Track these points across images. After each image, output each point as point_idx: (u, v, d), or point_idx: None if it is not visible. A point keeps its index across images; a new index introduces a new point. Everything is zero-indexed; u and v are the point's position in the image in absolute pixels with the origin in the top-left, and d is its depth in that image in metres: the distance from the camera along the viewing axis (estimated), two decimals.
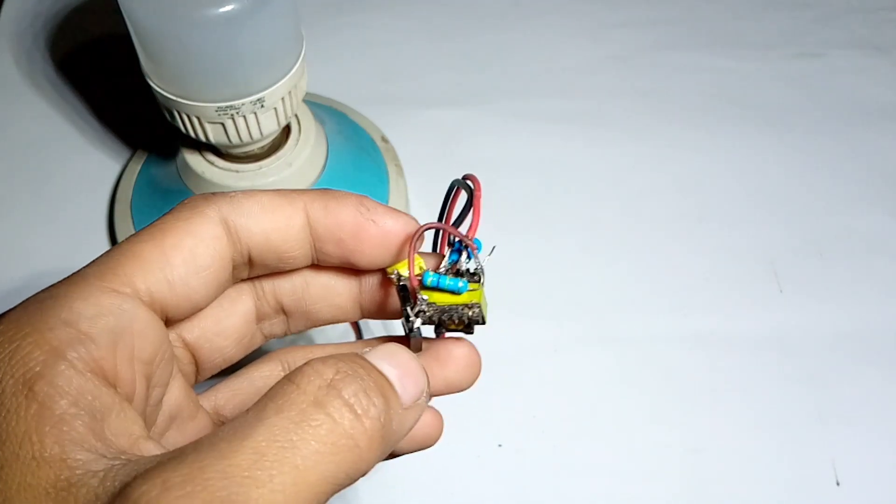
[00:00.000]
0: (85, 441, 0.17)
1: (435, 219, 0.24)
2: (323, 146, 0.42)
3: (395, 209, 0.23)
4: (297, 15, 0.36)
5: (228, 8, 0.32)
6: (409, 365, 0.20)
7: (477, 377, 0.24)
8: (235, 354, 0.25)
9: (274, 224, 0.22)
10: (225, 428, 0.17)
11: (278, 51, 0.35)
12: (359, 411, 0.18)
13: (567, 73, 0.54)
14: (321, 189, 0.23)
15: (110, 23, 0.42)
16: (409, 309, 0.22)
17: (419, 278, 0.22)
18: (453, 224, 0.23)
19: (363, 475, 0.18)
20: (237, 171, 0.40)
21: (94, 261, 0.21)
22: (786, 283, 0.44)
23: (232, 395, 0.25)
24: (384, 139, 0.47)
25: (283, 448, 0.17)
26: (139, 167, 0.46)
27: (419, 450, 0.25)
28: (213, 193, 0.22)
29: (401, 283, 0.23)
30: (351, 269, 0.24)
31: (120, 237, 0.43)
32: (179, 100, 0.35)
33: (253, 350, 0.26)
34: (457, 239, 0.23)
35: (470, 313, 0.22)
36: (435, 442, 0.25)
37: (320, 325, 0.26)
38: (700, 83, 0.54)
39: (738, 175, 0.49)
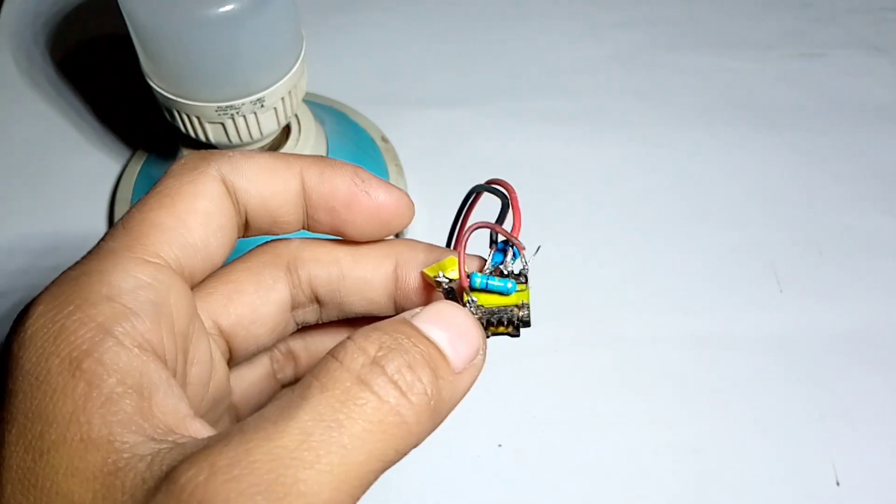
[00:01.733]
0: (132, 422, 0.17)
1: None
2: (323, 146, 0.42)
3: (389, 183, 0.23)
4: (297, 15, 0.36)
5: (228, 8, 0.32)
6: (461, 324, 0.20)
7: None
8: (268, 341, 0.24)
9: (271, 188, 0.22)
10: (270, 408, 0.17)
11: (278, 51, 0.35)
12: (404, 388, 0.18)
13: (567, 74, 0.54)
14: (318, 156, 0.23)
15: (110, 23, 0.42)
16: None
17: (468, 280, 0.22)
18: (490, 232, 0.23)
19: (415, 447, 0.18)
20: None
21: (112, 234, 0.20)
22: (786, 283, 0.44)
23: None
24: (384, 139, 0.47)
25: (330, 428, 0.16)
26: (139, 167, 0.46)
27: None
28: (209, 151, 0.22)
29: (448, 286, 0.22)
30: (388, 266, 0.24)
31: None
32: (179, 100, 0.35)
33: (285, 336, 0.25)
34: (500, 239, 0.22)
35: (520, 314, 0.22)
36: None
37: (353, 316, 0.25)
38: (700, 83, 0.54)
39: (738, 175, 0.49)
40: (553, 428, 0.39)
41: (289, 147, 0.41)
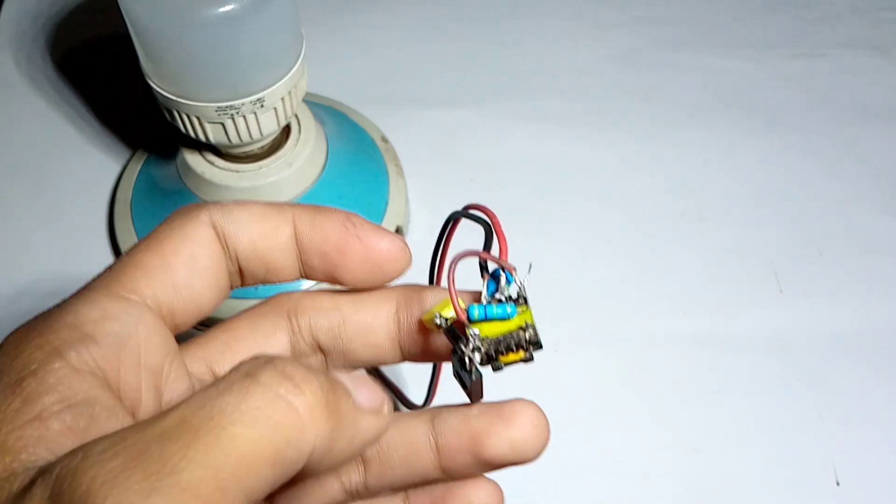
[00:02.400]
0: (52, 440, 0.17)
1: (431, 240, 0.23)
2: (323, 146, 0.42)
3: (382, 228, 0.23)
4: (297, 15, 0.36)
5: (228, 8, 0.32)
6: (362, 378, 0.19)
7: (545, 443, 0.22)
8: None
9: (260, 232, 0.22)
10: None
11: (278, 51, 0.35)
12: (296, 378, 0.16)
13: (567, 73, 0.54)
14: (311, 204, 0.23)
15: (110, 23, 0.42)
16: (463, 348, 0.21)
17: (465, 314, 0.21)
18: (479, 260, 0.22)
19: (318, 460, 0.17)
20: (237, 171, 0.40)
21: (98, 274, 0.21)
22: (786, 283, 0.44)
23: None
24: (384, 139, 0.47)
25: (210, 416, 0.15)
26: (139, 167, 0.46)
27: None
28: (207, 202, 0.23)
29: (447, 326, 0.21)
30: (389, 309, 0.24)
31: (120, 237, 0.43)
32: (179, 100, 0.35)
33: None
34: (491, 268, 0.22)
35: (526, 335, 0.21)
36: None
37: (360, 367, 0.25)
38: (700, 83, 0.54)
39: (738, 175, 0.49)
40: (553, 428, 0.39)
41: (289, 147, 0.41)
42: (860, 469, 0.38)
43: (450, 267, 0.21)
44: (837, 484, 0.37)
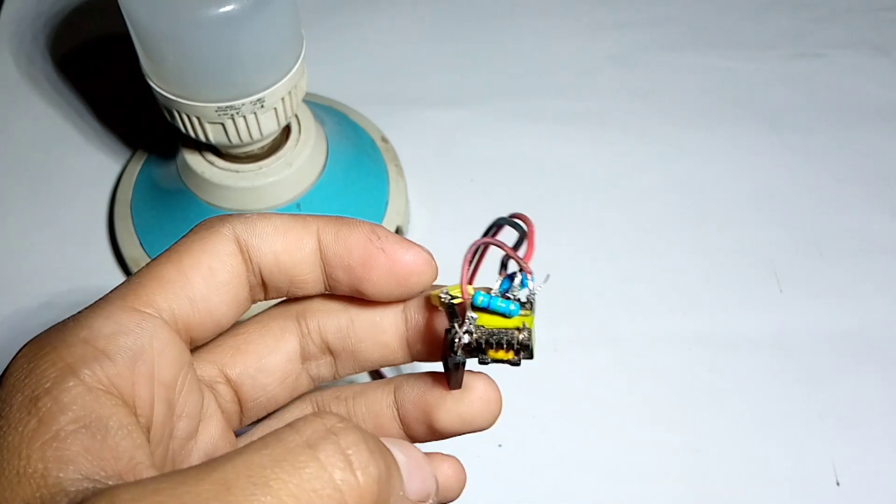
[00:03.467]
0: (73, 461, 0.17)
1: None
2: (323, 146, 0.42)
3: (407, 240, 0.23)
4: (297, 15, 0.36)
5: (228, 8, 0.32)
6: (418, 458, 0.19)
7: (496, 416, 0.23)
8: (280, 394, 0.24)
9: (284, 245, 0.22)
10: (204, 461, 0.16)
11: (278, 51, 0.35)
12: (354, 464, 0.16)
13: (567, 74, 0.54)
14: (337, 216, 0.23)
15: (110, 23, 0.42)
16: (456, 325, 0.21)
17: (470, 298, 0.21)
18: (504, 258, 0.22)
19: None
20: (237, 172, 0.40)
21: (118, 286, 0.21)
22: (786, 283, 0.44)
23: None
24: (384, 139, 0.47)
25: (254, 485, 0.15)
26: (139, 167, 0.46)
27: None
28: (231, 214, 0.22)
29: (449, 304, 0.22)
30: (397, 307, 0.24)
31: (120, 237, 0.43)
32: (179, 100, 0.35)
33: (300, 393, 0.25)
34: (510, 270, 0.22)
35: (520, 337, 0.21)
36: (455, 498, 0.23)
37: (370, 368, 0.25)
38: (700, 83, 0.54)
39: (738, 175, 0.49)
40: (553, 428, 0.39)
41: (289, 147, 0.41)
42: (860, 469, 0.38)
43: (473, 248, 0.21)
44: (837, 484, 0.37)
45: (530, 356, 0.22)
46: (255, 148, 0.39)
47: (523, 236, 0.22)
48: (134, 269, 0.42)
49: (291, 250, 0.22)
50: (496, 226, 0.23)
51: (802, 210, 0.47)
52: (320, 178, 0.42)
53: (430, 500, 0.20)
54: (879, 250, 0.45)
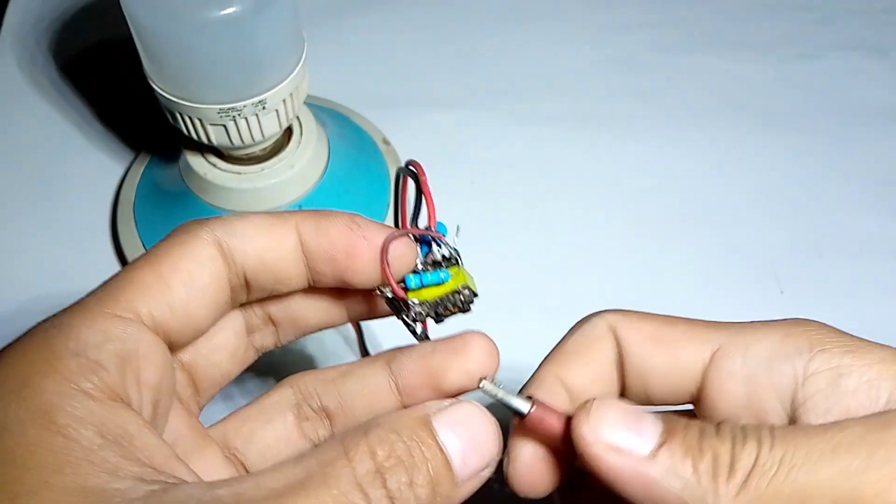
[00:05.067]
0: (119, 469, 0.17)
1: (413, 216, 0.25)
2: (324, 148, 0.43)
3: (386, 226, 0.23)
4: (299, 17, 0.36)
5: (230, 10, 0.32)
6: (479, 436, 0.20)
7: (497, 367, 0.24)
8: (231, 370, 0.25)
9: (267, 243, 0.22)
10: (268, 477, 0.17)
11: (280, 53, 0.35)
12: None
13: (567, 75, 0.54)
14: (314, 210, 0.24)
15: (113, 26, 0.42)
16: (405, 318, 0.23)
17: (402, 285, 0.23)
18: (414, 214, 0.24)
19: None
20: (239, 173, 0.40)
21: (93, 290, 0.21)
22: (786, 283, 0.44)
23: (241, 423, 0.25)
24: (385, 141, 0.48)
25: None
26: (142, 169, 0.46)
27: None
28: (209, 218, 0.23)
29: (389, 298, 0.23)
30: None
31: (123, 239, 0.44)
32: (181, 102, 0.35)
33: (248, 365, 0.25)
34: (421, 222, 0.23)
35: (461, 297, 0.23)
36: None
37: (310, 333, 0.25)
38: (700, 85, 0.54)
39: (738, 176, 0.49)
40: None
41: (290, 149, 0.41)
42: None
43: (383, 248, 0.23)
44: None
45: (474, 296, 0.23)
46: (256, 150, 0.39)
47: (418, 184, 0.23)
48: None
49: (274, 247, 0.22)
50: (401, 175, 0.25)
51: (802, 211, 0.47)
52: (322, 179, 0.42)
53: (487, 469, 0.20)
54: (879, 251, 0.45)
